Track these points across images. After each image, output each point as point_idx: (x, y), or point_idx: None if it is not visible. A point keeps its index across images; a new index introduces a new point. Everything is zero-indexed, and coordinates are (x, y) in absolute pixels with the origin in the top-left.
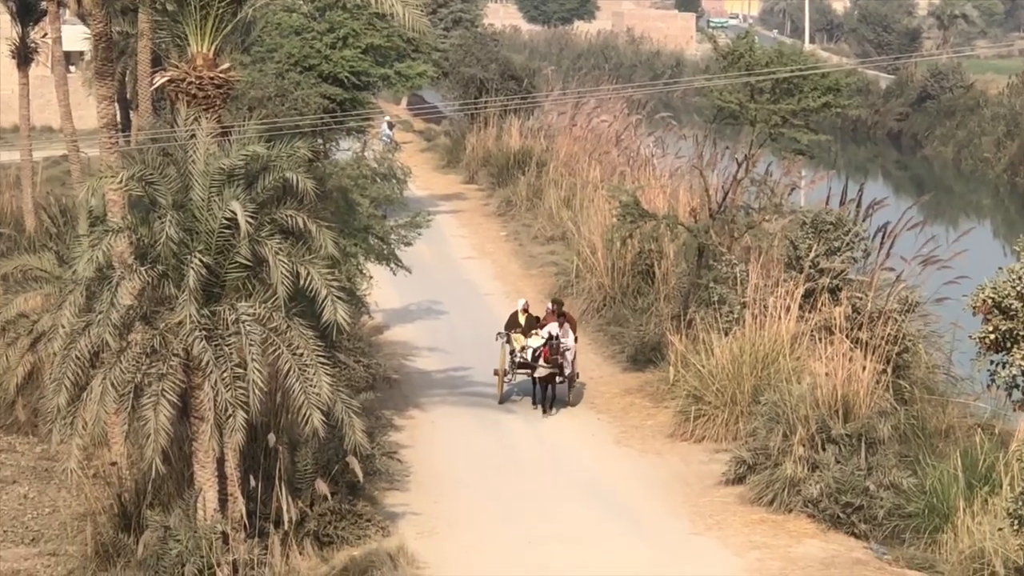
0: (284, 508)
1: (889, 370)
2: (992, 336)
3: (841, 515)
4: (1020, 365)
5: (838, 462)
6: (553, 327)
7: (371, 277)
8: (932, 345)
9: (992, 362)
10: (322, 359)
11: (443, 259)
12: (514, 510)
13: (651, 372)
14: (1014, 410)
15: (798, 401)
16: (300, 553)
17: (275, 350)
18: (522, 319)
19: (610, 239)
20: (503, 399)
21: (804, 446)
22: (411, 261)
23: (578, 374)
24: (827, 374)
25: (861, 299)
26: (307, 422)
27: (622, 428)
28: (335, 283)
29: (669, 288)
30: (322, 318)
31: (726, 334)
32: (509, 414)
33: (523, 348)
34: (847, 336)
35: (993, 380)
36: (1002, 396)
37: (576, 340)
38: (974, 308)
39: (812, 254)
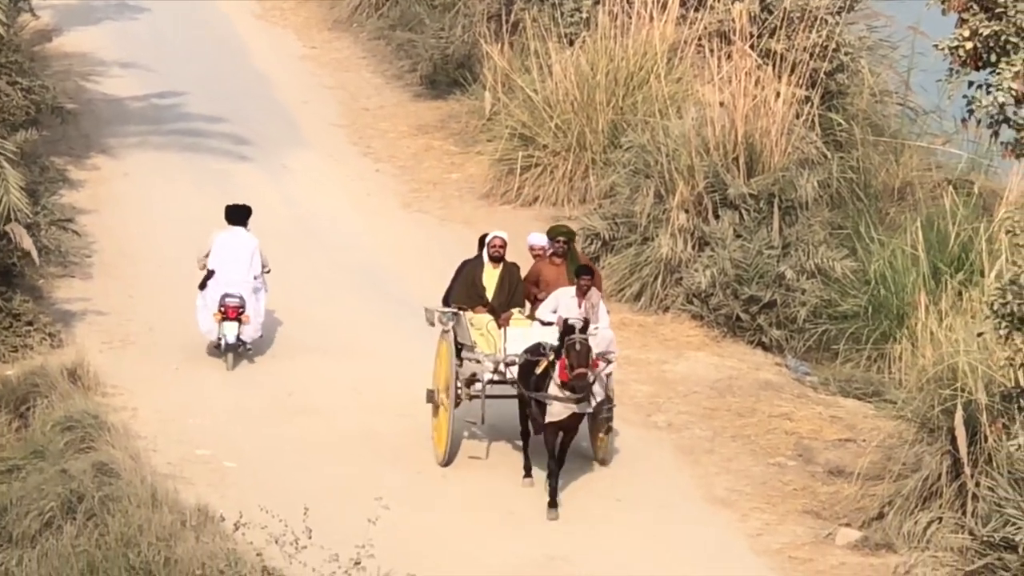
0: None
1: (816, 98)
2: (969, 45)
3: (743, 316)
4: (1010, 88)
5: (739, 236)
6: (564, 298)
7: None
8: (880, 61)
9: (970, 85)
10: None
11: None
12: None
13: (457, 100)
14: (1002, 157)
15: (678, 145)
16: None
17: None
18: (493, 275)
19: None
20: (449, 457)
21: (687, 212)
22: None
23: (612, 399)
24: (722, 104)
25: None
26: None
27: (413, 184)
28: None
29: None
30: None
31: (570, 43)
32: (243, 163)
33: (504, 361)
34: (753, 47)
35: (971, 112)
36: (984, 136)
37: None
38: (943, 3)
39: None
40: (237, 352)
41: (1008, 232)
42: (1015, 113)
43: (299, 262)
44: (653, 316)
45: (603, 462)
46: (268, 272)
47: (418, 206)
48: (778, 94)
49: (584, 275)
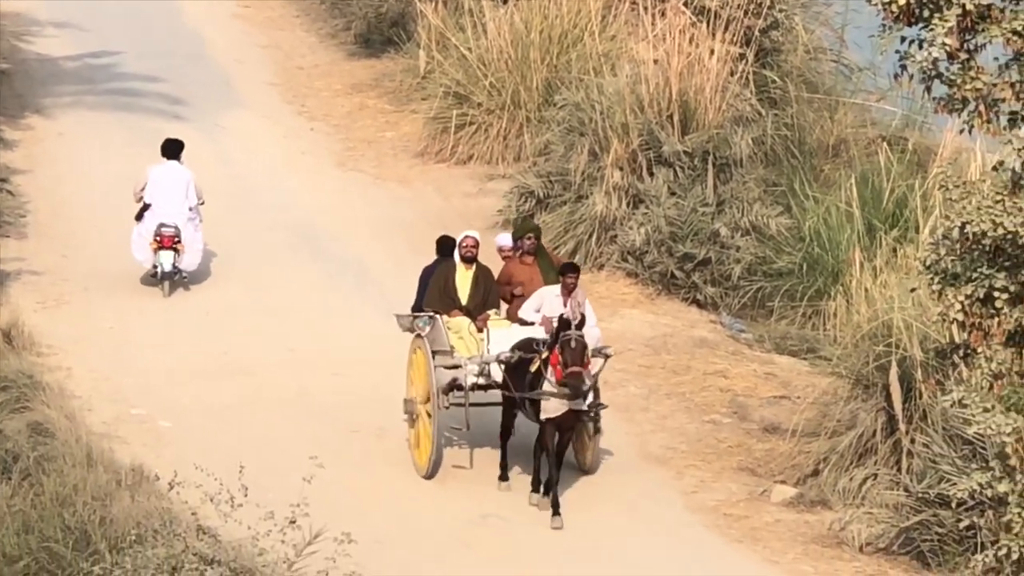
0: None
1: (750, 55)
2: (902, 0)
3: (677, 273)
4: (944, 43)
5: (673, 194)
6: (549, 296)
7: None
8: (814, 17)
9: (903, 40)
10: None
11: None
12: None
13: (391, 59)
14: (935, 112)
15: (613, 102)
16: None
17: None
18: (467, 276)
19: None
20: (432, 469)
21: (622, 170)
22: None
23: (600, 398)
24: (656, 61)
25: None
26: None
27: (348, 142)
28: None
29: None
30: None
31: (504, 2)
32: (178, 122)
33: (498, 359)
34: (686, 4)
35: (904, 68)
36: (917, 92)
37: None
38: None
39: None
40: (173, 280)
41: (941, 187)
42: (947, 69)
43: (234, 221)
44: (588, 274)
45: (588, 471)
46: (203, 204)
47: (353, 165)
48: (712, 51)
49: (570, 273)
